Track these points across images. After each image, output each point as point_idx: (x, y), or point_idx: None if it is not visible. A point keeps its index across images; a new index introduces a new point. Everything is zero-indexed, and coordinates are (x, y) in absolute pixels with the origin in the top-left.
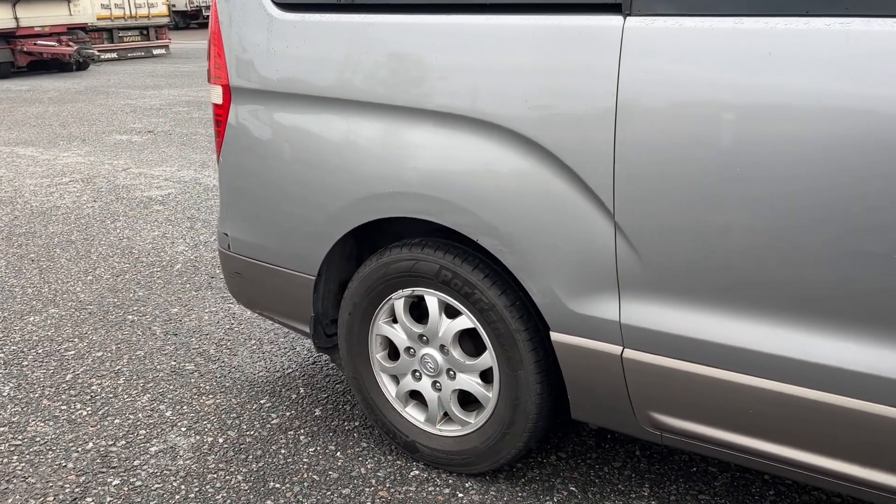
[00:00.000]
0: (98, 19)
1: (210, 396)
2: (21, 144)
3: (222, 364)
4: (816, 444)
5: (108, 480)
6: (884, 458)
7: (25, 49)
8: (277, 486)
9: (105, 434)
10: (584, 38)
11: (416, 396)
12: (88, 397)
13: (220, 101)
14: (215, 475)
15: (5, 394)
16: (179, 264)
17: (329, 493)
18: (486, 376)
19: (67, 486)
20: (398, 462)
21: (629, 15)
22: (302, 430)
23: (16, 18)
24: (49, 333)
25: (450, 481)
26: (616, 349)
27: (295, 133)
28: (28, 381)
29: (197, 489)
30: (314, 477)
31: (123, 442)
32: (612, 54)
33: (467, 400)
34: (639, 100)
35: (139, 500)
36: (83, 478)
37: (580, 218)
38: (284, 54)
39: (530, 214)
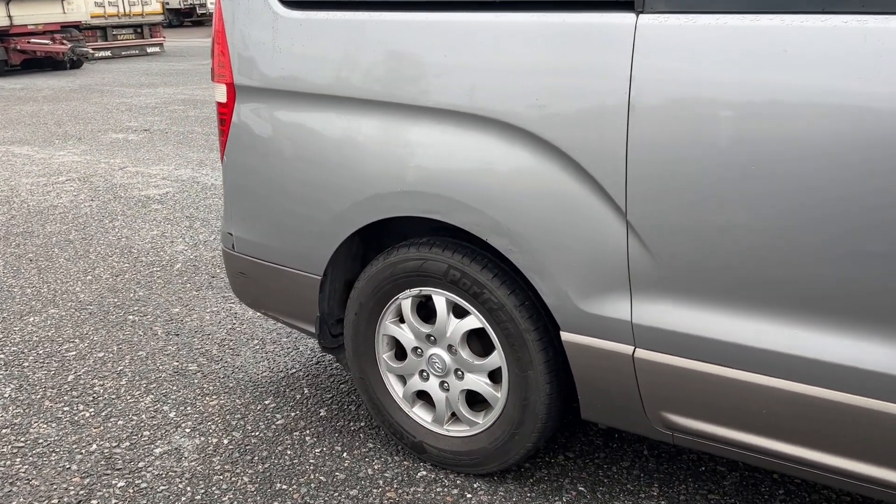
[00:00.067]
0: (92, 17)
1: (214, 397)
2: (16, 143)
3: (225, 364)
4: (829, 443)
5: (113, 482)
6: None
7: (19, 47)
8: (284, 487)
9: (109, 435)
10: (596, 36)
11: (422, 397)
12: (91, 398)
13: (224, 99)
14: (221, 477)
15: (7, 395)
16: (179, 264)
17: (336, 494)
18: (494, 376)
19: (72, 488)
20: (405, 463)
21: (642, 12)
22: (307, 431)
23: (9, 16)
24: (49, 334)
25: (458, 482)
26: (628, 349)
27: (301, 132)
28: (29, 383)
29: (203, 491)
30: (321, 478)
31: (127, 443)
32: (625, 52)
33: (474, 400)
34: (652, 98)
35: (145, 502)
36: (87, 480)
37: (592, 217)
38: (290, 52)
39: (541, 213)
